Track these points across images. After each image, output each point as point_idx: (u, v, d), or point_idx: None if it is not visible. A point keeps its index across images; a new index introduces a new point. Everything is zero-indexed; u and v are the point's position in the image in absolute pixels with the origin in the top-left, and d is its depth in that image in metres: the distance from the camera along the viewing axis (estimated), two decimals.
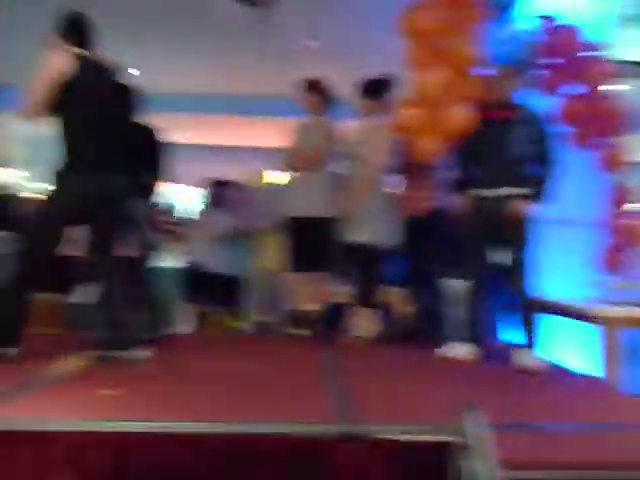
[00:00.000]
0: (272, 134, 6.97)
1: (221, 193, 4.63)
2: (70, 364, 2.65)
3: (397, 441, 1.81)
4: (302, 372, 2.73)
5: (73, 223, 2.89)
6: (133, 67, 7.58)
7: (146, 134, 3.46)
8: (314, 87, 3.64)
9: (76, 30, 2.80)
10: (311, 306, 3.81)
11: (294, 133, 3.66)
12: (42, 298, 3.57)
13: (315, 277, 3.71)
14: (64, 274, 3.61)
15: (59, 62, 2.65)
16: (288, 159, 3.67)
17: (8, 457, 1.77)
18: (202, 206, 5.37)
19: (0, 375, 2.41)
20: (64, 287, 3.77)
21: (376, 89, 3.52)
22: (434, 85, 3.14)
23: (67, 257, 4.37)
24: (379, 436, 1.80)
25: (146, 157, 3.44)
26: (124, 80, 3.02)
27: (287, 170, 3.77)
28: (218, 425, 1.85)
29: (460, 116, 3.06)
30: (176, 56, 7.11)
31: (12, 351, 2.75)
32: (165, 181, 3.55)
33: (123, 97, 3.01)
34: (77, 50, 2.75)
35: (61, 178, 2.76)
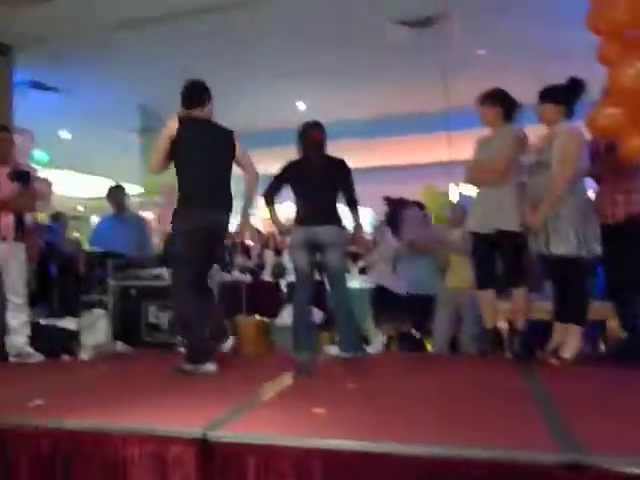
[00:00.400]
0: (449, 149, 6.93)
1: (396, 212, 4.63)
2: (280, 382, 2.87)
3: (624, 473, 1.66)
4: (502, 394, 2.61)
5: (199, 254, 3.27)
6: (300, 100, 8.15)
7: (339, 165, 3.66)
8: (493, 98, 3.51)
9: (186, 95, 3.40)
10: (504, 324, 3.65)
11: (476, 147, 3.58)
12: (252, 321, 3.96)
13: (507, 294, 3.55)
14: (271, 298, 3.97)
15: (170, 124, 3.26)
16: (471, 174, 3.59)
17: (237, 467, 1.98)
18: (376, 226, 5.46)
19: (219, 393, 2.69)
20: (272, 310, 4.12)
21: (559, 94, 3.28)
22: (632, 79, 2.86)
23: (273, 283, 4.79)
24: (606, 467, 1.65)
25: (341, 186, 3.64)
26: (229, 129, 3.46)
27: (471, 185, 3.68)
28: (424, 447, 1.86)
29: None
30: (341, 84, 7.43)
31: (211, 367, 3.16)
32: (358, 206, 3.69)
33: (229, 145, 3.42)
34: (185, 111, 3.35)
35: (178, 216, 3.29)
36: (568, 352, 3.16)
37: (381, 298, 4.37)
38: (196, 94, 3.40)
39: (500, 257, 3.43)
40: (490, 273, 3.50)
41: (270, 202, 3.74)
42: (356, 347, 3.56)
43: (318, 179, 3.58)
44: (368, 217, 11.53)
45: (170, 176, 3.54)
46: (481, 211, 3.45)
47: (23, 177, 3.88)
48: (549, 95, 3.29)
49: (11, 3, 4.70)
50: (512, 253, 3.36)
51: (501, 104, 3.46)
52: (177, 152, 3.27)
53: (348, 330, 3.57)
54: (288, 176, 3.72)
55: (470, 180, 3.62)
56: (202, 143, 3.30)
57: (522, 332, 3.42)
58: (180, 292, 3.25)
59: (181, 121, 3.27)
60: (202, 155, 3.28)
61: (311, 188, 3.60)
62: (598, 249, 3.15)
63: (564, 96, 3.26)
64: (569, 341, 3.18)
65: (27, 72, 6.25)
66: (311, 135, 3.66)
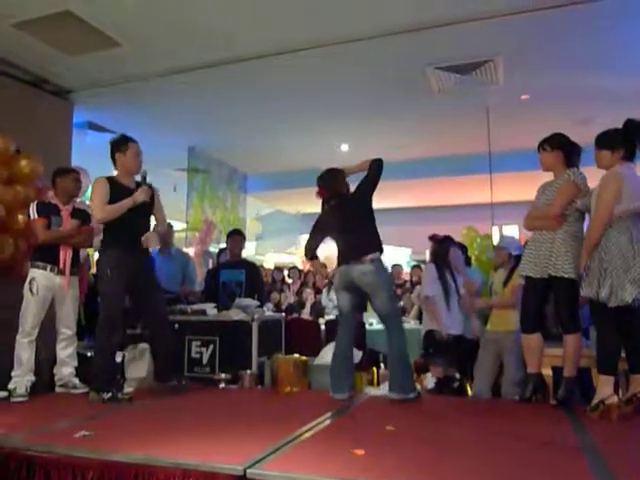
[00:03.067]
0: (491, 191, 6.91)
1: (442, 251, 4.58)
2: (318, 422, 2.87)
3: None
4: (547, 445, 2.53)
5: None
6: (344, 143, 8.30)
7: (354, 193, 3.78)
8: (551, 143, 3.47)
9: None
10: (547, 370, 3.56)
11: (538, 192, 3.52)
12: (291, 359, 3.98)
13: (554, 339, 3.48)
14: (311, 337, 3.98)
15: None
16: (528, 219, 3.54)
17: None
18: (414, 266, 5.38)
19: (258, 430, 2.72)
20: (312, 349, 4.13)
21: (613, 139, 3.17)
22: None
23: (312, 321, 4.80)
24: None
25: (366, 199, 3.72)
26: None
27: (528, 230, 3.63)
28: None
29: None
30: (384, 126, 7.54)
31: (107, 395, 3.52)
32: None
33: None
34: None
35: None
36: (613, 399, 3.02)
37: (431, 341, 4.34)
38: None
39: (553, 302, 3.38)
40: (538, 317, 3.44)
41: (311, 257, 3.97)
42: (407, 389, 3.52)
43: (343, 220, 3.71)
44: (407, 257, 11.51)
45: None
46: (534, 256, 3.41)
47: (83, 215, 4.10)
48: (604, 141, 3.21)
49: (73, 51, 5.04)
50: (565, 299, 3.30)
51: (560, 149, 3.43)
52: None
53: (401, 373, 3.53)
54: (320, 227, 3.91)
55: (526, 225, 3.57)
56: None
57: (571, 379, 3.32)
58: None
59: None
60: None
61: (340, 231, 3.75)
62: (627, 296, 2.98)
63: (619, 141, 3.17)
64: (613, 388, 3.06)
65: (85, 114, 6.61)
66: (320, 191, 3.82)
